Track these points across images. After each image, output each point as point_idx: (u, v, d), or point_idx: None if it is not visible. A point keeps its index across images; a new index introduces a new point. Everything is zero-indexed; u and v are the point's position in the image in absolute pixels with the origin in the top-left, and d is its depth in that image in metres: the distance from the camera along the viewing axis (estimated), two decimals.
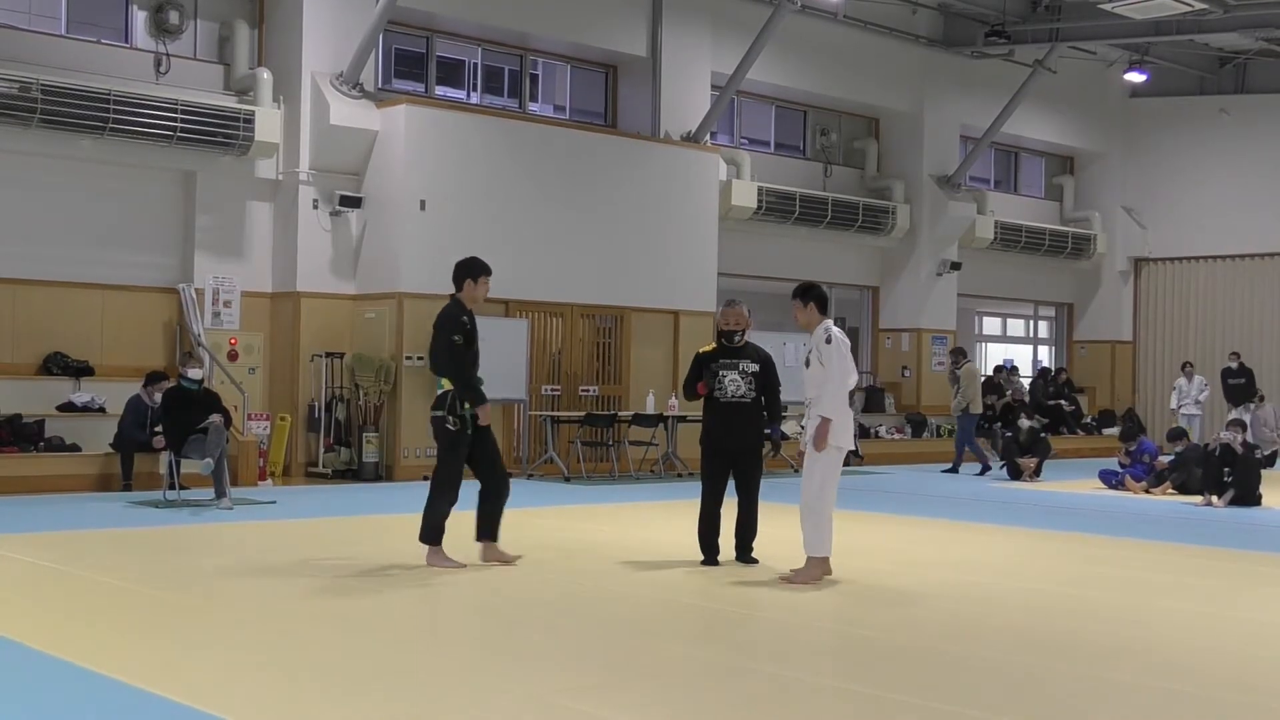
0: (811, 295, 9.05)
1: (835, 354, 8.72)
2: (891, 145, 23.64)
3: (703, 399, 9.49)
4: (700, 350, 9.73)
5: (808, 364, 8.92)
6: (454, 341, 9.01)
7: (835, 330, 8.86)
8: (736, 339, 9.47)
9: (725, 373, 9.38)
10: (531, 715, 5.49)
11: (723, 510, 9.47)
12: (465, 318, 9.11)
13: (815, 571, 8.72)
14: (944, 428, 23.25)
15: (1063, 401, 24.87)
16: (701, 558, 9.42)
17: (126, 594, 8.16)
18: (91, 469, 14.14)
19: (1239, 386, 22.77)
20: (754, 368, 9.42)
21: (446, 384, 9.09)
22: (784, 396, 9.72)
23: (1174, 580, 9.64)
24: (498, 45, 19.21)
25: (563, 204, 17.81)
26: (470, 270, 9.26)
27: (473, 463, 9.24)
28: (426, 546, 9.14)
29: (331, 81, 16.50)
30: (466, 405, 9.01)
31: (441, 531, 9.12)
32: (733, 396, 9.37)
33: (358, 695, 5.69)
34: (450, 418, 8.98)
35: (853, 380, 8.89)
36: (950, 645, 7.04)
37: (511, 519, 12.60)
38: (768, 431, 9.65)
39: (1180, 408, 23.17)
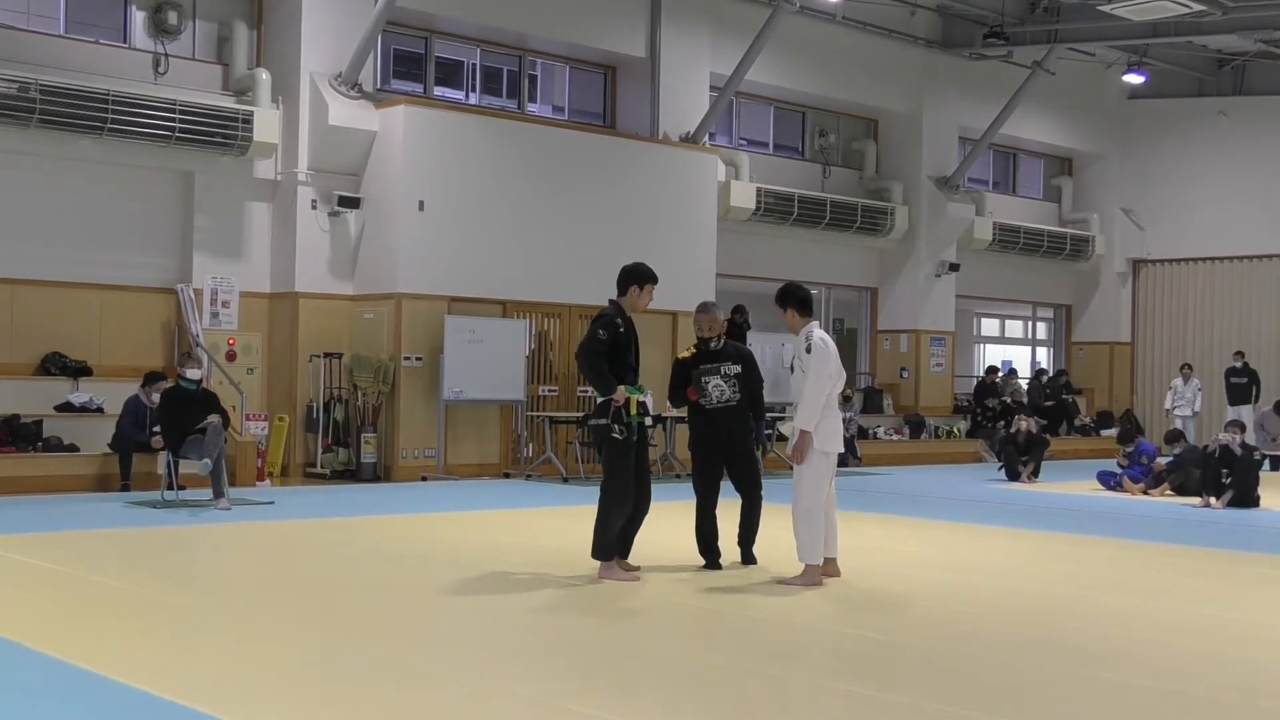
0: (790, 300, 8.90)
1: (814, 361, 8.58)
2: (890, 146, 23.64)
3: (688, 405, 9.44)
4: (679, 355, 9.68)
5: (792, 369, 8.85)
6: (598, 335, 8.78)
7: (817, 335, 8.70)
8: (713, 343, 9.41)
9: (708, 378, 9.26)
10: (531, 717, 5.48)
11: (719, 512, 9.42)
12: (620, 320, 8.91)
13: (811, 578, 8.68)
14: (942, 429, 23.27)
15: (1065, 396, 24.95)
16: (702, 562, 9.36)
17: (126, 594, 8.16)
18: (90, 469, 14.13)
19: (1241, 386, 22.72)
20: (735, 369, 9.33)
21: None
22: (774, 397, 9.69)
23: (1172, 582, 9.64)
24: (496, 46, 19.20)
25: (561, 205, 17.80)
26: (638, 277, 9.07)
27: None
28: (598, 562, 8.79)
29: (330, 82, 16.50)
30: (633, 412, 8.79)
31: (615, 546, 8.81)
32: (718, 401, 9.27)
33: (357, 696, 5.69)
34: (617, 426, 8.72)
35: (839, 384, 8.77)
36: (948, 646, 7.04)
37: (511, 520, 12.67)
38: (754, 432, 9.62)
39: (1174, 409, 23.15)
